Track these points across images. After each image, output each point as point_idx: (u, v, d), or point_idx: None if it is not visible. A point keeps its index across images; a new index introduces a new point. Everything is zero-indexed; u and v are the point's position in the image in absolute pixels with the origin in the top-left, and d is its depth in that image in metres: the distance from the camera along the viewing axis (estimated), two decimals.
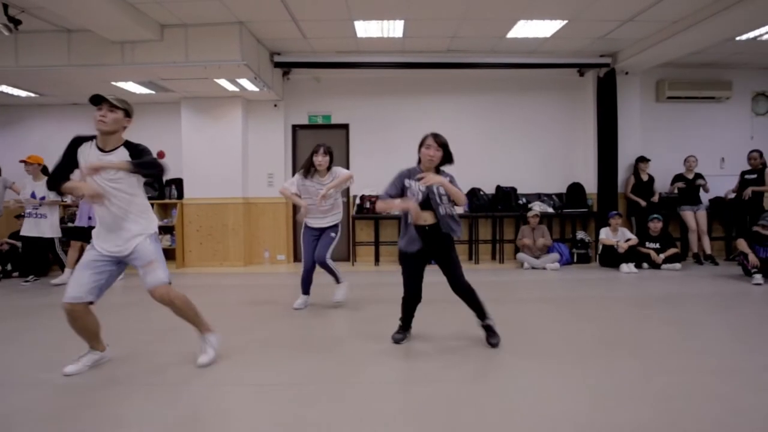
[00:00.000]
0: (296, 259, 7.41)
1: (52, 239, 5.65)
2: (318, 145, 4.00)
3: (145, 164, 2.58)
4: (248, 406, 2.28)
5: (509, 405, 2.25)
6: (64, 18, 4.88)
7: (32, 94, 6.69)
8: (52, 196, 5.53)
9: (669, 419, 2.05)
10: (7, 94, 6.55)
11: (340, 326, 3.79)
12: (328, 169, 4.02)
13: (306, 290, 4.22)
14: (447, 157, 3.00)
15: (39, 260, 5.89)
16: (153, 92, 6.57)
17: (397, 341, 3.14)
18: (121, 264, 2.69)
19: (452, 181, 3.00)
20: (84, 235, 5.43)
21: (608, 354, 2.94)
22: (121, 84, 6.17)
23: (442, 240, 2.97)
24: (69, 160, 2.62)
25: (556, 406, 2.20)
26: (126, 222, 2.63)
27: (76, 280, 2.57)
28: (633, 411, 2.13)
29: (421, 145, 3.00)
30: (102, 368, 2.76)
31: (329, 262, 4.10)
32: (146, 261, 2.63)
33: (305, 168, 4.01)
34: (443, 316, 3.79)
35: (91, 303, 2.60)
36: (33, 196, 5.55)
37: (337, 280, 4.30)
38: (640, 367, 2.67)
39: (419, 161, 3.04)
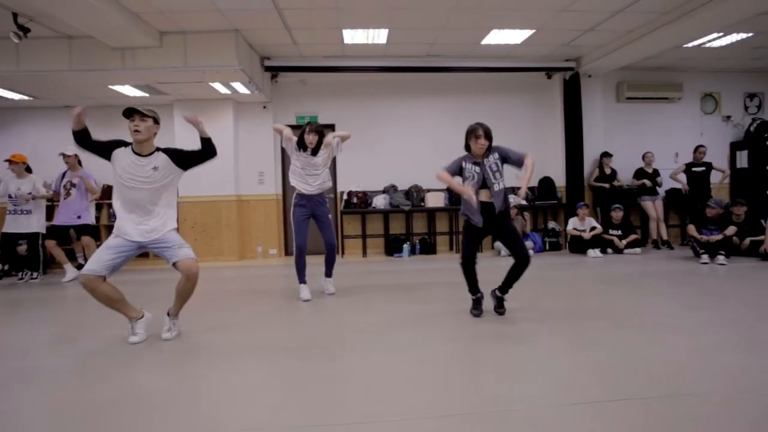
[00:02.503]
0: (287, 252, 7.79)
1: (37, 234, 5.83)
2: (307, 124, 4.19)
3: (208, 145, 3.12)
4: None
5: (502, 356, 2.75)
6: (67, 25, 5.13)
7: (26, 97, 6.85)
8: (42, 190, 5.78)
9: (626, 361, 2.60)
10: (0, 97, 6.70)
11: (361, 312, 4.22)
12: (319, 146, 4.16)
13: (304, 277, 4.24)
14: (491, 143, 3.44)
15: (31, 256, 6.01)
16: (147, 95, 6.85)
17: (477, 315, 3.45)
18: (140, 249, 3.05)
19: (502, 149, 3.45)
20: (60, 234, 5.72)
21: (579, 317, 3.48)
22: (117, 87, 6.44)
23: (499, 216, 3.39)
24: (104, 146, 3.00)
25: (537, 354, 2.72)
26: (156, 211, 3.02)
27: (98, 257, 2.93)
28: (597, 355, 2.67)
29: (469, 136, 3.44)
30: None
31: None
32: (179, 243, 3.06)
33: (298, 142, 4.17)
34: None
35: (103, 278, 2.92)
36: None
37: (329, 273, 4.43)
38: (604, 326, 3.21)
39: (468, 149, 3.48)
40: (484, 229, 3.47)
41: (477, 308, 3.51)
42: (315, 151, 4.17)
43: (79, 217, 5.77)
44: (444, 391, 2.23)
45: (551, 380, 2.33)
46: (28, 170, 5.87)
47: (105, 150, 3.03)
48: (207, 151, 3.13)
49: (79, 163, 5.91)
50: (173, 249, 3.02)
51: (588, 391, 2.15)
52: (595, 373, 2.35)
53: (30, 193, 5.72)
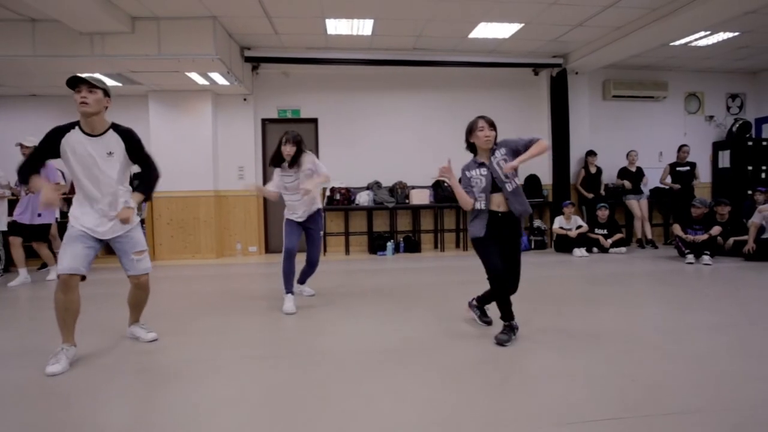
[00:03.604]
0: (268, 250, 7.55)
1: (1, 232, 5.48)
2: (285, 133, 3.77)
3: (150, 187, 2.84)
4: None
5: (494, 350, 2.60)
6: (30, 7, 4.79)
7: None
8: (3, 187, 5.38)
9: (615, 364, 2.47)
10: None
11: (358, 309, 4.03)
12: (298, 158, 3.75)
13: (291, 287, 3.83)
14: (496, 132, 2.94)
15: None
16: (119, 84, 6.51)
17: (501, 342, 2.81)
18: (100, 243, 2.73)
19: (510, 142, 2.91)
20: (27, 231, 5.31)
21: (564, 317, 3.37)
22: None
23: (512, 227, 2.92)
24: (47, 152, 2.59)
25: (524, 349, 2.57)
26: (118, 199, 2.71)
27: (71, 252, 2.55)
28: (586, 354, 2.53)
29: (471, 131, 2.93)
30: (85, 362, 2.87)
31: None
32: (140, 248, 2.81)
33: (274, 159, 3.80)
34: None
35: (83, 278, 2.62)
36: None
37: (303, 281, 4.28)
38: (591, 325, 3.10)
39: (470, 148, 3.00)
40: (494, 239, 2.90)
41: (506, 332, 2.87)
42: (291, 164, 3.76)
43: (39, 215, 5.27)
44: (432, 405, 2.07)
45: (543, 397, 2.19)
46: None
47: (48, 150, 2.58)
48: (148, 173, 2.84)
49: None
50: (132, 259, 2.78)
51: (581, 408, 2.01)
52: (588, 388, 2.22)
53: None
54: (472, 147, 3.00)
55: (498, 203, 2.89)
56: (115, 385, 2.39)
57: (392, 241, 7.28)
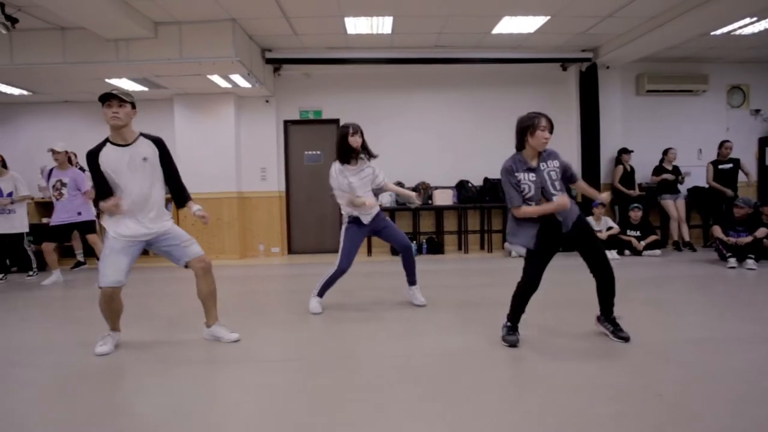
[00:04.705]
0: (290, 251, 7.56)
1: (21, 234, 5.66)
2: (345, 126, 3.61)
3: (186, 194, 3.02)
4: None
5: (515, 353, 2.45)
6: (58, 16, 4.95)
7: (25, 92, 6.73)
8: (22, 190, 5.56)
9: (643, 377, 2.27)
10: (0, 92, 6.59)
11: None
12: (366, 147, 3.66)
13: (324, 293, 3.75)
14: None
15: (12, 256, 5.89)
16: (146, 89, 6.66)
17: (512, 344, 2.77)
18: (141, 247, 2.87)
19: (563, 160, 2.83)
20: (61, 234, 5.45)
21: (591, 324, 3.15)
22: (114, 81, 6.25)
23: (575, 229, 2.78)
24: (99, 173, 2.77)
25: (547, 358, 2.41)
26: (152, 202, 2.84)
27: (115, 265, 2.72)
28: (612, 365, 2.35)
29: (529, 129, 2.70)
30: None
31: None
32: (185, 238, 2.90)
33: (342, 155, 3.57)
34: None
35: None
36: None
37: (413, 280, 3.85)
38: (635, 339, 2.85)
39: (520, 147, 2.78)
40: (553, 247, 2.78)
41: (512, 333, 2.83)
42: (361, 153, 3.63)
43: (79, 214, 5.41)
44: (449, 416, 1.94)
45: (563, 409, 2.02)
46: (4, 166, 5.59)
47: (97, 172, 2.76)
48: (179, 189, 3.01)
49: (70, 161, 5.62)
50: (181, 247, 2.86)
51: (602, 425, 1.84)
52: (613, 403, 2.04)
53: (10, 196, 5.46)
54: (522, 144, 2.76)
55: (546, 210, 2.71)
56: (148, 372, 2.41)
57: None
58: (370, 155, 3.72)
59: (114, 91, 2.74)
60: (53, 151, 5.36)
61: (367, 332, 3.23)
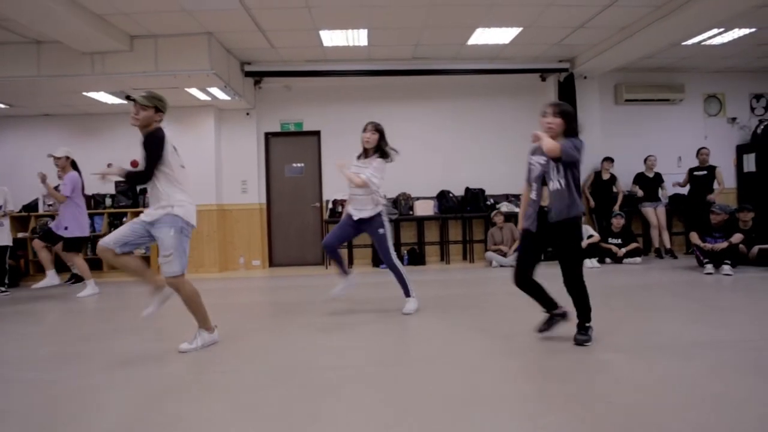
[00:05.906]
0: (272, 263, 7.51)
1: (6, 247, 5.59)
2: (367, 123, 3.78)
3: (133, 175, 3.03)
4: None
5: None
6: (32, 30, 4.96)
7: (2, 106, 6.71)
8: (10, 204, 5.53)
9: (597, 383, 2.24)
10: None
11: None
12: (376, 150, 3.69)
13: (344, 268, 3.89)
14: (570, 127, 2.76)
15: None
16: (125, 102, 6.64)
17: (541, 330, 2.92)
18: (150, 234, 2.93)
19: (573, 146, 2.67)
20: (56, 239, 5.36)
21: (563, 331, 3.12)
22: (92, 94, 6.26)
23: (558, 226, 2.75)
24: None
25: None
26: (158, 195, 2.93)
27: (114, 232, 2.95)
28: (570, 378, 2.31)
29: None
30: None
31: (397, 263, 3.77)
32: (166, 252, 2.86)
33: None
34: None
35: (112, 252, 2.87)
36: None
37: (407, 293, 3.84)
38: (599, 345, 2.83)
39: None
40: (540, 238, 2.80)
41: (545, 324, 2.92)
42: (369, 152, 3.74)
43: (66, 229, 5.24)
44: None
45: (513, 416, 1.99)
46: None
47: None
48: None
49: (73, 165, 5.36)
50: (161, 257, 2.89)
51: None
52: (563, 410, 2.00)
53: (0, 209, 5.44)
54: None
55: (546, 198, 2.79)
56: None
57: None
58: (384, 155, 3.76)
59: (135, 96, 2.86)
60: (54, 157, 5.29)
61: (338, 342, 3.18)
